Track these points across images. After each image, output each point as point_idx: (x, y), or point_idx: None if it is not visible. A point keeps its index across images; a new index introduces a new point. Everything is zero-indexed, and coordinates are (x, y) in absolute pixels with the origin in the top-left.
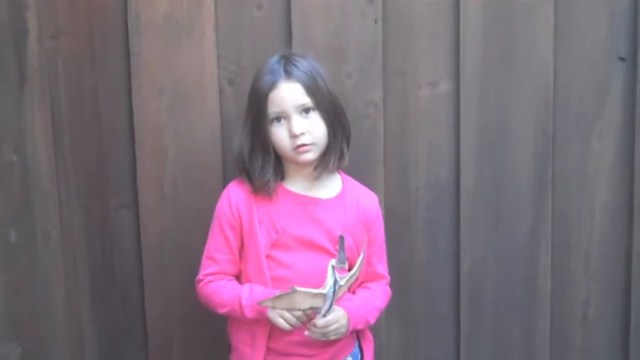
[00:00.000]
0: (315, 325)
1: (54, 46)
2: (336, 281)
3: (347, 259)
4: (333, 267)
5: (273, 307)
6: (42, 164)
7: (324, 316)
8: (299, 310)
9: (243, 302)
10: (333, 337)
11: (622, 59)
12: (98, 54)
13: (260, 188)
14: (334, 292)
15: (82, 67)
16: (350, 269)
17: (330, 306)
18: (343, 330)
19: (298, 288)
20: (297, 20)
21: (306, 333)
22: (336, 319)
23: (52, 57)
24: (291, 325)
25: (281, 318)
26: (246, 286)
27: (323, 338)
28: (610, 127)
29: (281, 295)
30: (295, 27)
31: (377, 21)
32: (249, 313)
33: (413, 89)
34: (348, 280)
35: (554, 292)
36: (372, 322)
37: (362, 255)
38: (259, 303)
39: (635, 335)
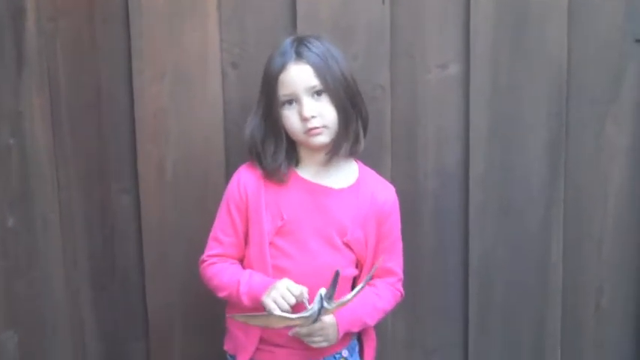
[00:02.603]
0: (299, 333)
1: (53, 27)
2: (322, 307)
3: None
4: (321, 296)
5: (246, 323)
6: (40, 148)
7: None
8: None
9: (241, 289)
10: (323, 345)
11: (638, 41)
12: (98, 36)
13: (271, 174)
14: (318, 316)
15: (81, 50)
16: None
17: (315, 322)
18: (331, 337)
19: (276, 312)
20: (303, 1)
21: (291, 333)
22: (321, 327)
23: (51, 39)
24: (282, 309)
25: (272, 301)
26: (247, 272)
27: (313, 345)
28: (625, 111)
29: (257, 315)
30: (300, 8)
31: (385, 1)
32: (245, 301)
33: (422, 72)
34: (337, 306)
35: (566, 282)
36: (371, 323)
37: (366, 279)
38: (232, 316)
39: None
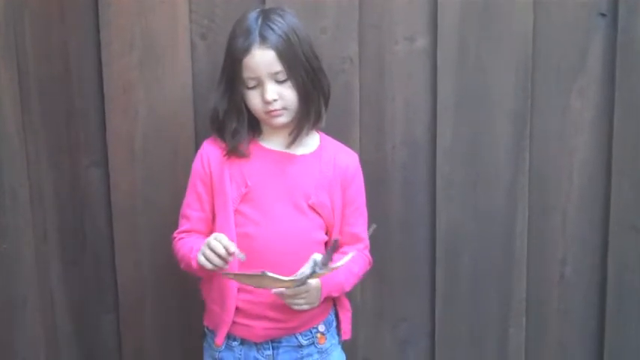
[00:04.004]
0: (282, 294)
1: None
2: (313, 272)
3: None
4: (315, 262)
5: (237, 281)
6: (8, 120)
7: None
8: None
9: (192, 254)
10: (304, 307)
11: (602, 15)
12: (67, 7)
13: (233, 149)
14: (307, 279)
15: (50, 21)
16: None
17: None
18: (313, 300)
19: (269, 273)
20: None
21: (274, 291)
22: (307, 289)
23: (19, 10)
24: (214, 265)
25: (202, 256)
26: (201, 240)
27: (294, 307)
28: (590, 85)
29: (249, 275)
30: None
31: None
32: (194, 264)
33: (390, 44)
34: (327, 271)
35: (530, 253)
36: (348, 289)
37: (351, 255)
38: (223, 274)
39: (612, 295)
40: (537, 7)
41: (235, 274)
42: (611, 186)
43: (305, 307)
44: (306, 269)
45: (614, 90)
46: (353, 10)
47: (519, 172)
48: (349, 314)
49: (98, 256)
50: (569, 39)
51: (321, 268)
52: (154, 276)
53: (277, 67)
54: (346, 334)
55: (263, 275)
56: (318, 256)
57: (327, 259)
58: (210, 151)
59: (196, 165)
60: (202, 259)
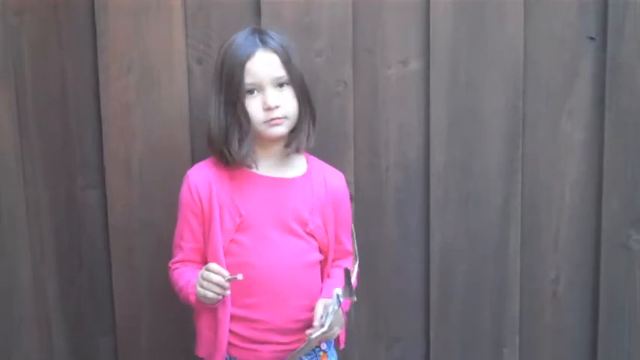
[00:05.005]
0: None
1: (18, 22)
2: (339, 305)
3: (353, 291)
4: (338, 296)
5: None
6: (6, 142)
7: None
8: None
9: (189, 290)
10: (337, 332)
11: (591, 38)
12: (64, 31)
13: (240, 162)
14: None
15: (47, 44)
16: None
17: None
18: (341, 324)
19: (312, 335)
20: None
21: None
22: (338, 318)
23: (16, 34)
24: (215, 293)
25: (201, 289)
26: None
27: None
28: (580, 106)
29: (303, 347)
30: (265, 5)
31: None
32: (193, 300)
33: (383, 68)
34: (352, 299)
35: (523, 272)
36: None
37: (355, 269)
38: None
39: (604, 313)
40: (527, 30)
41: (294, 354)
42: (602, 205)
43: (339, 331)
44: (334, 305)
45: (604, 111)
46: (347, 34)
47: (512, 192)
48: (344, 327)
49: (95, 276)
50: (558, 61)
51: (347, 297)
52: (150, 297)
53: (280, 71)
54: (342, 343)
55: (309, 340)
56: (339, 290)
57: (347, 291)
58: (197, 179)
59: (185, 196)
60: (202, 292)
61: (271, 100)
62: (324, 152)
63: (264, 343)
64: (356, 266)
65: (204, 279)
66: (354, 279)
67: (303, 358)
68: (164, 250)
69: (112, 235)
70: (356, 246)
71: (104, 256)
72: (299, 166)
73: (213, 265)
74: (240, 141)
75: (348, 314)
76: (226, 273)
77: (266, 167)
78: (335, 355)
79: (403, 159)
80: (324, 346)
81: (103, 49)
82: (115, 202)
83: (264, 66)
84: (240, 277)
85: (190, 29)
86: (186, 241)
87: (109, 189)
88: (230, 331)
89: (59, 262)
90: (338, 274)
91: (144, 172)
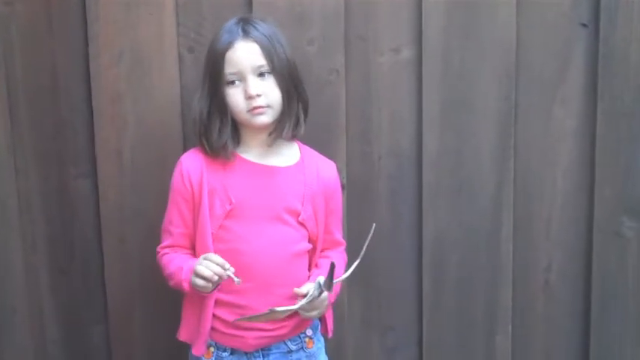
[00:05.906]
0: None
1: (8, 11)
2: (321, 292)
3: (332, 285)
4: (320, 284)
5: (252, 322)
6: None
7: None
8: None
9: (182, 276)
10: (314, 316)
11: (584, 25)
12: (55, 20)
13: (217, 152)
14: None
15: (38, 34)
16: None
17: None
18: (322, 310)
19: (276, 308)
20: None
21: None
22: (322, 301)
23: (7, 23)
24: (212, 283)
25: (198, 278)
26: (190, 260)
27: (305, 316)
28: (572, 94)
29: (260, 315)
30: None
31: None
32: (186, 287)
33: (375, 56)
34: (330, 291)
35: (516, 260)
36: (338, 291)
37: (350, 271)
38: (238, 319)
39: (596, 301)
40: (520, 18)
41: (249, 317)
42: (594, 193)
43: (315, 315)
44: (314, 291)
45: (596, 99)
46: (339, 22)
47: (504, 180)
48: (331, 312)
49: (87, 266)
50: (551, 49)
51: (325, 289)
52: (143, 286)
53: (260, 60)
54: (330, 332)
55: (272, 311)
56: (322, 279)
57: (329, 283)
58: (190, 165)
59: (176, 181)
60: (199, 282)
61: (252, 89)
62: (317, 140)
63: (248, 329)
64: (354, 265)
65: (207, 268)
66: (347, 274)
67: (289, 343)
68: (156, 238)
69: (103, 224)
70: (365, 246)
71: (96, 245)
72: (291, 154)
73: (213, 257)
74: (220, 131)
75: (340, 303)
76: (228, 265)
77: (257, 155)
78: (322, 341)
79: (396, 147)
80: (309, 332)
81: (93, 37)
82: (107, 191)
83: (244, 55)
84: (238, 281)
85: (181, 17)
86: (175, 226)
87: (100, 178)
88: (215, 316)
89: (51, 252)
90: (325, 265)
91: (135, 161)
